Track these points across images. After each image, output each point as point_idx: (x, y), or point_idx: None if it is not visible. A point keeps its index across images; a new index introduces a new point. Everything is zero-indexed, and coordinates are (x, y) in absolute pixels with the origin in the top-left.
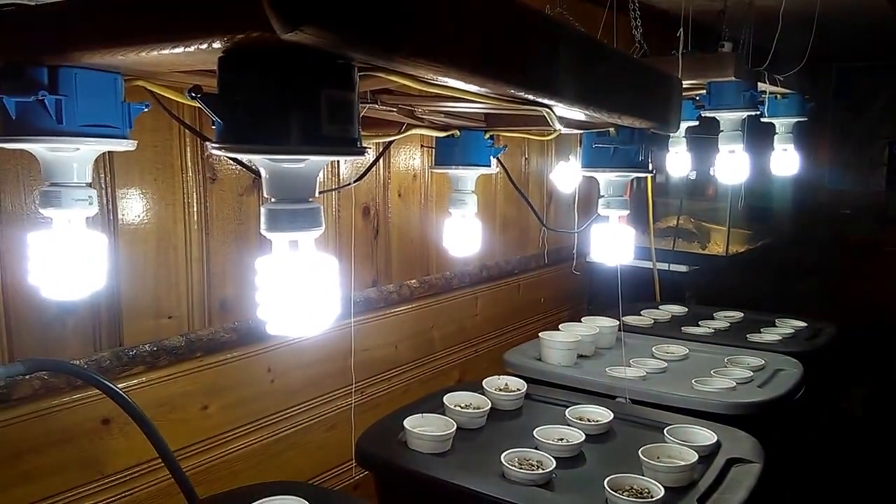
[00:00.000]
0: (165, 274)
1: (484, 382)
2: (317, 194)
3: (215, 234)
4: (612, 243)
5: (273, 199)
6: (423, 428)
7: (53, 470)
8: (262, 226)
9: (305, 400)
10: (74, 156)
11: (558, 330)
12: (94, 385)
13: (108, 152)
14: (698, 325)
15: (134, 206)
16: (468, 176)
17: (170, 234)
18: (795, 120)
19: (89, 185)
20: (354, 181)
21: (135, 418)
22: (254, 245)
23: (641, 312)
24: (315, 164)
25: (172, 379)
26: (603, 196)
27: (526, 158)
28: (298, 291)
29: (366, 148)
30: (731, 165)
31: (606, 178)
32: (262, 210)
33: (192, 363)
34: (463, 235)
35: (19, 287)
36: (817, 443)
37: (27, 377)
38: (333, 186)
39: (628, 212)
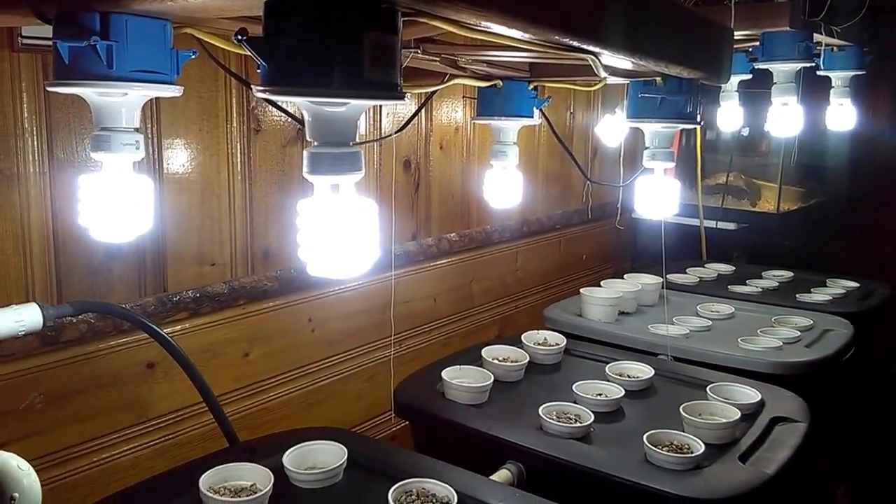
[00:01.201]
0: (209, 222)
1: (523, 337)
2: (357, 139)
3: (258, 184)
4: (658, 197)
5: (315, 143)
6: (461, 379)
7: (99, 412)
8: (305, 169)
9: (345, 350)
10: (123, 101)
11: (600, 286)
12: (140, 327)
13: (155, 102)
14: (745, 284)
15: (179, 156)
16: (510, 127)
17: (213, 184)
18: (853, 73)
19: (137, 130)
20: (396, 132)
21: (178, 361)
22: (297, 196)
23: (686, 270)
24: (356, 108)
25: (215, 326)
26: (648, 148)
27: (571, 112)
28: (338, 234)
29: (406, 92)
30: (784, 118)
31: (652, 130)
32: (305, 153)
33: (235, 311)
34: (504, 188)
35: (68, 234)
36: (869, 407)
37: (75, 320)
38: (375, 138)
39: (674, 164)
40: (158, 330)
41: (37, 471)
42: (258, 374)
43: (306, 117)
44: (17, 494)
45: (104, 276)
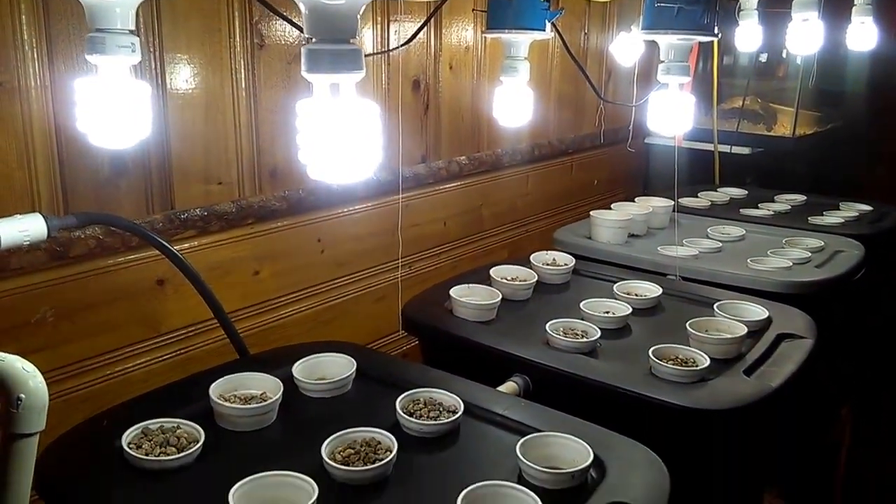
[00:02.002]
0: (214, 140)
1: (531, 257)
2: (357, 37)
3: (263, 101)
4: (672, 112)
5: (314, 40)
6: (469, 297)
7: (111, 327)
8: (303, 67)
9: (354, 271)
10: (117, 0)
11: (610, 209)
12: (145, 238)
13: (156, 16)
14: (757, 208)
15: (182, 72)
16: (521, 41)
17: (217, 100)
18: None
19: (132, 32)
20: (402, 44)
21: (182, 270)
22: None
23: (699, 195)
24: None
25: (224, 244)
26: (663, 62)
27: (585, 33)
28: (339, 136)
29: None
30: (804, 35)
31: (668, 42)
32: (303, 50)
33: (244, 230)
34: (514, 105)
35: (72, 148)
36: (878, 330)
37: (83, 235)
38: (381, 51)
39: (689, 79)
40: (162, 241)
41: (49, 383)
42: (268, 292)
43: (303, 10)
44: (23, 395)
45: (111, 192)
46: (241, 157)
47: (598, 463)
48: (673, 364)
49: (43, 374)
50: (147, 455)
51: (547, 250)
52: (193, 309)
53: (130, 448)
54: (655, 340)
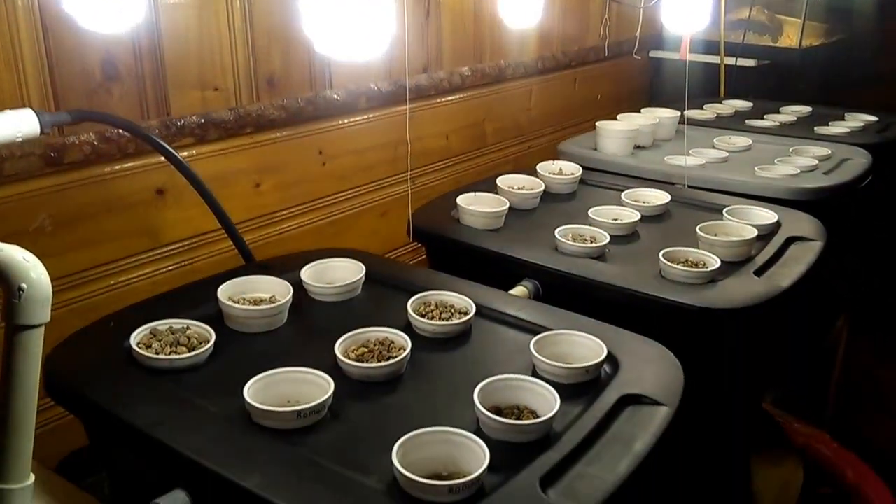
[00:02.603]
0: (208, 44)
1: (538, 167)
2: None
3: (258, 3)
4: (685, 7)
5: None
6: (476, 205)
7: (111, 237)
8: None
9: (357, 185)
10: None
11: (616, 120)
12: (141, 137)
13: None
14: (763, 119)
15: None
16: None
17: (210, 1)
18: None
19: None
20: None
21: (182, 170)
22: (299, 20)
23: (704, 107)
24: None
25: (223, 154)
26: None
27: None
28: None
29: None
30: None
31: None
32: None
33: (243, 139)
34: (521, 3)
35: (62, 51)
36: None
37: (77, 141)
38: None
39: None
40: (160, 140)
41: (55, 293)
42: (271, 205)
43: None
44: (24, 286)
45: (103, 98)
46: (236, 62)
47: (611, 359)
48: (683, 266)
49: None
50: (157, 354)
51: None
52: (195, 220)
53: (139, 348)
54: (664, 245)
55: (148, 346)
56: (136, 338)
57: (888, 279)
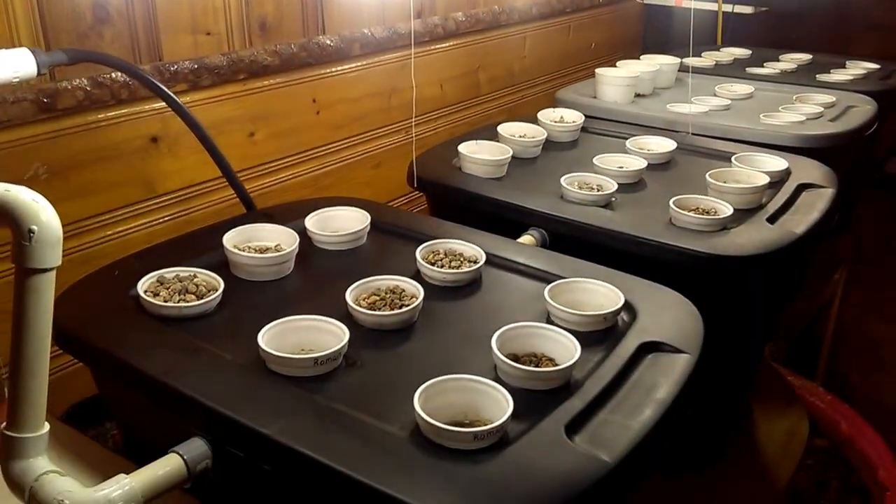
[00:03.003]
0: None
1: (539, 114)
2: None
3: None
4: None
5: None
6: (478, 153)
7: (105, 187)
8: None
9: (351, 135)
10: None
11: (615, 67)
12: (138, 78)
13: None
14: (763, 67)
15: None
16: None
17: None
18: None
19: None
20: None
21: (182, 116)
22: None
23: (702, 55)
24: None
25: (217, 101)
26: None
27: None
28: None
29: None
30: None
31: None
32: None
33: (236, 86)
34: None
35: None
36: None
37: (69, 87)
38: None
39: None
40: (157, 83)
41: None
42: (265, 154)
43: None
44: (35, 227)
45: (94, 41)
46: (227, 4)
47: (628, 307)
48: (695, 213)
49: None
50: (166, 302)
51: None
52: (190, 169)
53: (147, 296)
54: (672, 194)
55: (156, 294)
56: (143, 285)
57: (887, 232)
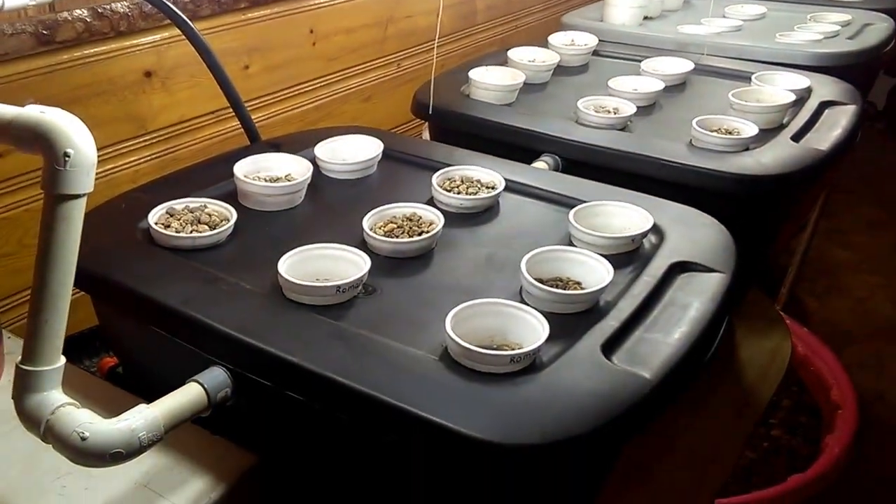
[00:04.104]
0: None
1: (549, 38)
2: None
3: None
4: None
5: None
6: (488, 79)
7: (98, 122)
8: None
9: (346, 67)
10: None
11: None
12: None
13: None
14: None
15: None
16: None
17: None
18: None
19: None
20: None
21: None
22: None
23: None
24: None
25: (214, 32)
26: None
27: None
28: None
29: None
30: None
31: None
32: None
33: (235, 15)
34: None
35: None
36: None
37: (69, 17)
38: None
39: None
40: (171, 6)
41: (36, 182)
42: (259, 88)
43: None
44: (70, 151)
45: None
46: None
47: (655, 229)
48: (718, 134)
49: (31, 172)
50: (178, 233)
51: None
52: (182, 105)
53: (158, 227)
54: (690, 116)
55: (167, 226)
56: (153, 217)
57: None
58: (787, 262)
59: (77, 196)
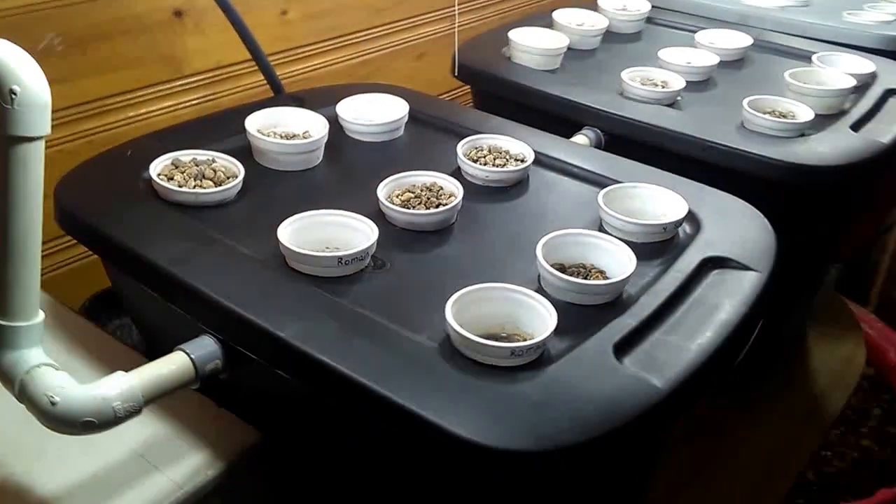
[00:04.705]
0: None
1: (599, 1)
2: None
3: None
4: None
5: None
6: (531, 42)
7: (127, 63)
8: None
9: (393, 20)
10: None
11: None
12: None
13: None
14: None
15: None
16: None
17: None
18: None
19: None
20: None
21: None
22: None
23: None
24: None
25: None
26: None
27: None
28: None
29: None
30: None
31: None
32: None
33: None
34: None
35: None
36: None
37: None
38: None
39: None
40: None
41: (69, 122)
42: (297, 38)
43: None
44: (17, 88)
45: None
46: None
47: (691, 217)
48: (770, 116)
49: (61, 110)
50: (180, 187)
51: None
52: (218, 49)
53: (160, 179)
54: (745, 94)
55: (170, 178)
56: (156, 168)
57: None
58: (879, 261)
59: (31, 139)
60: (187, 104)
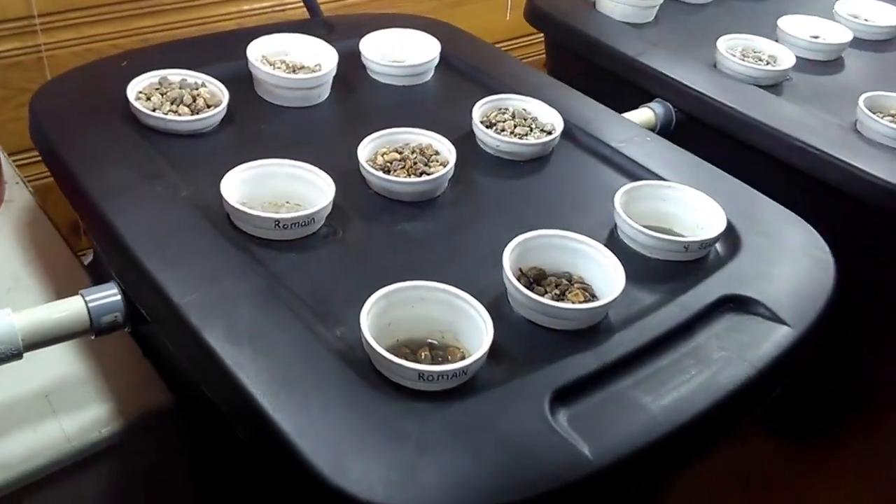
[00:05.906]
0: None
1: None
2: None
3: None
4: None
5: None
6: None
7: None
8: None
9: None
10: None
11: None
12: None
13: None
14: None
15: None
16: None
17: None
18: None
19: None
20: None
21: None
22: None
23: None
24: None
25: None
26: None
27: None
28: None
29: None
30: None
31: None
32: None
33: None
34: None
35: None
36: None
37: None
38: None
39: None
40: None
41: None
42: None
43: None
44: None
45: None
46: None
47: (729, 235)
48: (890, 120)
49: (113, 5)
50: (154, 111)
51: None
52: None
53: (139, 99)
54: (875, 86)
55: (148, 98)
56: (138, 85)
57: None
58: None
59: None
60: (251, 13)
